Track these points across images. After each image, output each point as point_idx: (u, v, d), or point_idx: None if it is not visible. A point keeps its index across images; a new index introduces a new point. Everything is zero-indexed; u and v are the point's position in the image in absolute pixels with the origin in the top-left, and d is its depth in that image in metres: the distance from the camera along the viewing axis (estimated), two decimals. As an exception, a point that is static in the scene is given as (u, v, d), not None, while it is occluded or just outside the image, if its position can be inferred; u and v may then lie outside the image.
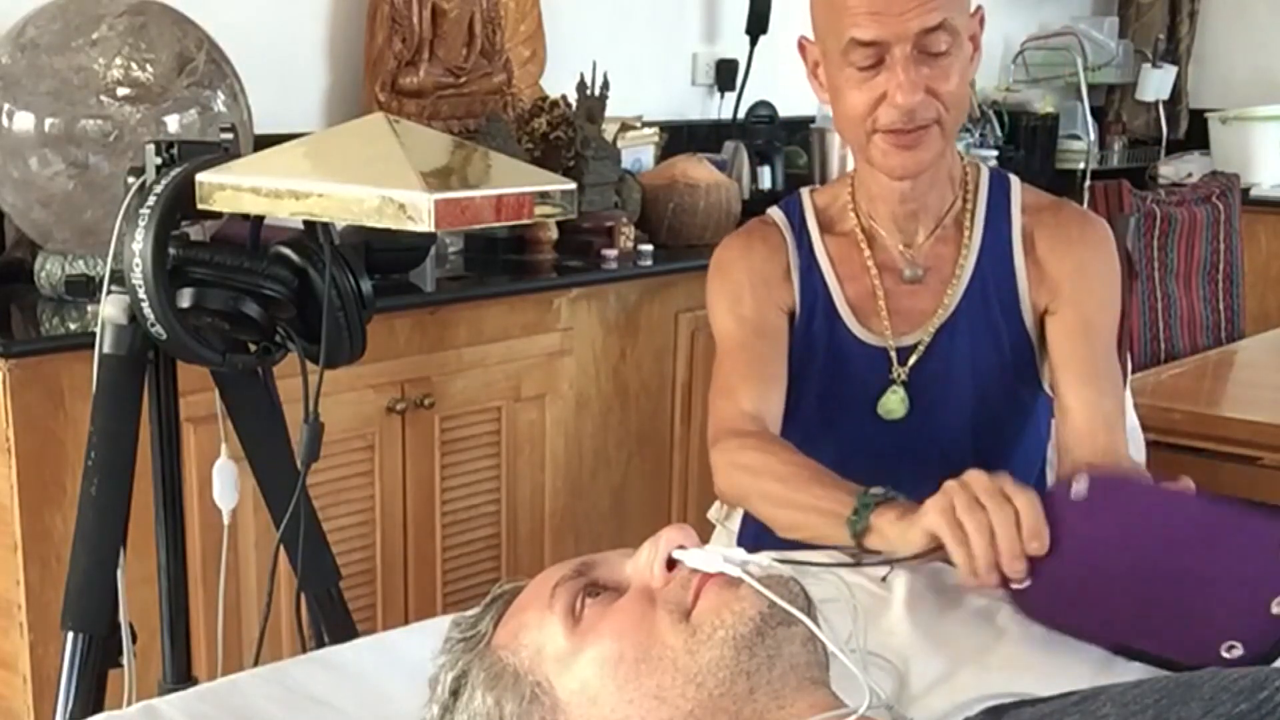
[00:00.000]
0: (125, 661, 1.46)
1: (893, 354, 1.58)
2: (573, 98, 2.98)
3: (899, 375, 1.58)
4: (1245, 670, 0.80)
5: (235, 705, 1.09)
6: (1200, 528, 1.15)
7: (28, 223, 2.23)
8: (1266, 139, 4.41)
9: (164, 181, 1.33)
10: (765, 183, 3.40)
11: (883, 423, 1.58)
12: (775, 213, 1.68)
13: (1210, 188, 3.21)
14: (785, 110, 3.57)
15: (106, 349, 1.41)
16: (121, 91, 2.09)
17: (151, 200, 1.33)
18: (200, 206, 1.32)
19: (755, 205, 3.27)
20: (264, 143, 1.49)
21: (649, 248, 2.87)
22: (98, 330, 1.41)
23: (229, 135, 1.53)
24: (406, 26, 2.84)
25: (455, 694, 0.94)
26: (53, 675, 1.48)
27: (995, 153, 4.03)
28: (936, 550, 1.22)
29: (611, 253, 2.79)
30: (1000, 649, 1.21)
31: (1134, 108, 4.78)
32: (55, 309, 2.18)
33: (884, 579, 1.31)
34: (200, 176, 1.31)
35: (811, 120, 3.52)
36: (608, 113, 3.01)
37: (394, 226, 1.19)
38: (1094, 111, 4.49)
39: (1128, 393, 1.94)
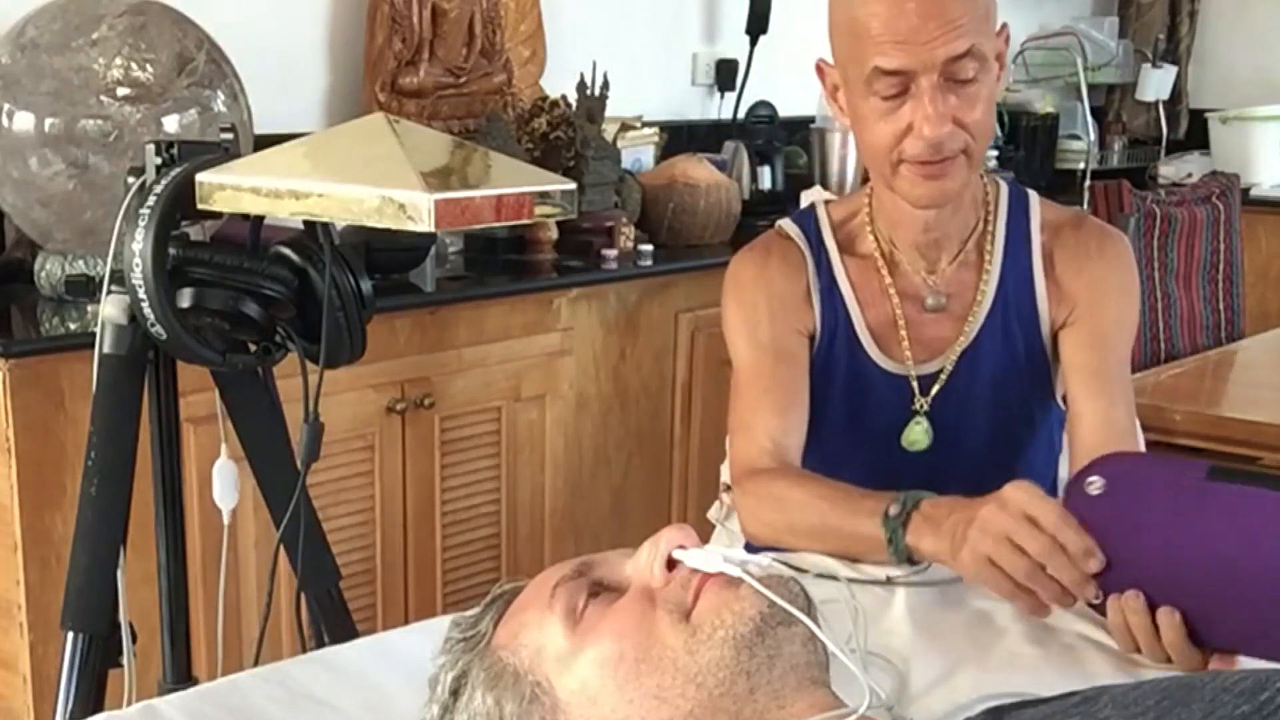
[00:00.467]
0: (125, 661, 1.46)
1: (914, 383, 1.55)
2: (573, 98, 2.98)
3: (921, 406, 1.55)
4: (1246, 671, 0.80)
5: (235, 705, 1.09)
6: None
7: (28, 223, 2.23)
8: (1266, 139, 4.41)
9: (164, 181, 1.33)
10: (765, 183, 3.40)
11: (907, 454, 1.56)
12: (790, 227, 1.61)
13: (1210, 188, 3.21)
14: (785, 110, 3.57)
15: (106, 349, 1.40)
16: (121, 91, 2.09)
17: (151, 200, 1.33)
18: (200, 206, 1.32)
19: (755, 205, 3.29)
20: (264, 143, 1.49)
21: (649, 248, 2.87)
22: (98, 330, 1.41)
23: (229, 135, 1.53)
24: (406, 26, 2.84)
25: (455, 694, 0.94)
26: (53, 675, 1.48)
27: (995, 153, 4.03)
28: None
29: (611, 253, 2.79)
30: (1000, 649, 1.21)
31: (1134, 108, 4.78)
32: (55, 309, 2.18)
33: (888, 580, 1.31)
34: (200, 176, 1.31)
35: (811, 120, 3.51)
36: (608, 113, 3.01)
37: (394, 226, 1.19)
38: (1094, 111, 4.49)
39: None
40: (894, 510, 1.31)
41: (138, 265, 1.32)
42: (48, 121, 2.09)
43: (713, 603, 0.89)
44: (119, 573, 1.44)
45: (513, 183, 1.28)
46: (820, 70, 1.54)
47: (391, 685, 1.13)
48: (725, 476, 2.25)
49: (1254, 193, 4.25)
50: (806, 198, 3.12)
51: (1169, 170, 4.59)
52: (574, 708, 0.89)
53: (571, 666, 0.89)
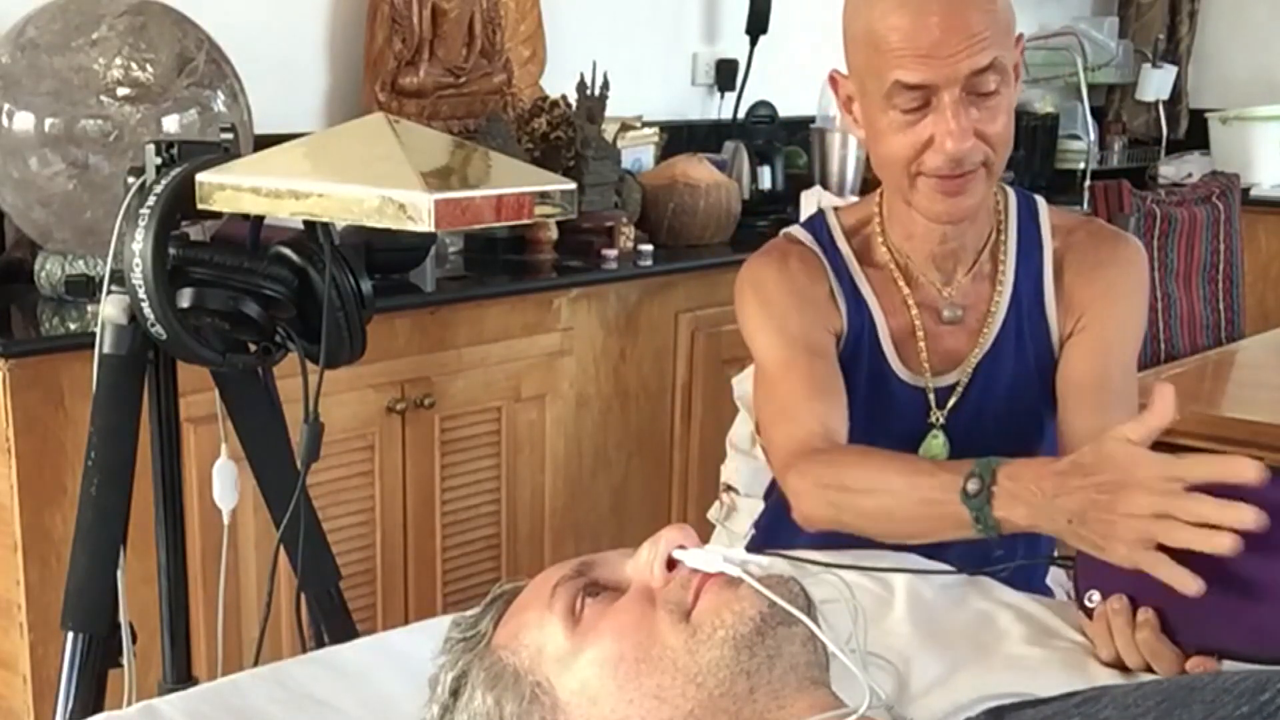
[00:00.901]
0: (125, 661, 1.46)
1: (931, 396, 1.53)
2: (573, 98, 2.98)
3: (937, 419, 1.54)
4: (1247, 672, 0.80)
5: (235, 705, 1.09)
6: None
7: (28, 223, 2.23)
8: (1266, 139, 4.40)
9: (164, 181, 1.33)
10: (765, 183, 3.40)
11: None
12: (802, 234, 1.58)
13: (1210, 188, 3.21)
14: (785, 110, 3.57)
15: (106, 349, 1.40)
16: (121, 91, 2.09)
17: (151, 200, 1.33)
18: (200, 206, 1.32)
19: (755, 205, 3.29)
20: (264, 143, 1.49)
21: (649, 248, 2.87)
22: (98, 330, 1.41)
23: (229, 135, 1.53)
24: (406, 26, 2.84)
25: (455, 694, 0.94)
26: (53, 675, 1.48)
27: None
28: None
29: (611, 253, 2.79)
30: (1001, 649, 1.21)
31: (1134, 108, 4.78)
32: (55, 309, 2.18)
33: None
34: (200, 176, 1.31)
35: (811, 120, 3.51)
36: (608, 113, 3.01)
37: (394, 226, 1.19)
38: (1094, 111, 4.49)
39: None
40: (972, 486, 1.22)
41: (138, 265, 1.32)
42: (48, 121, 2.09)
43: (713, 603, 0.89)
44: (119, 573, 1.44)
45: (513, 183, 1.28)
46: (834, 81, 1.50)
47: (391, 685, 1.13)
48: (725, 476, 2.25)
49: (1254, 193, 4.25)
50: (806, 198, 3.12)
51: (1169, 170, 4.59)
52: (574, 708, 0.89)
53: (571, 666, 0.89)
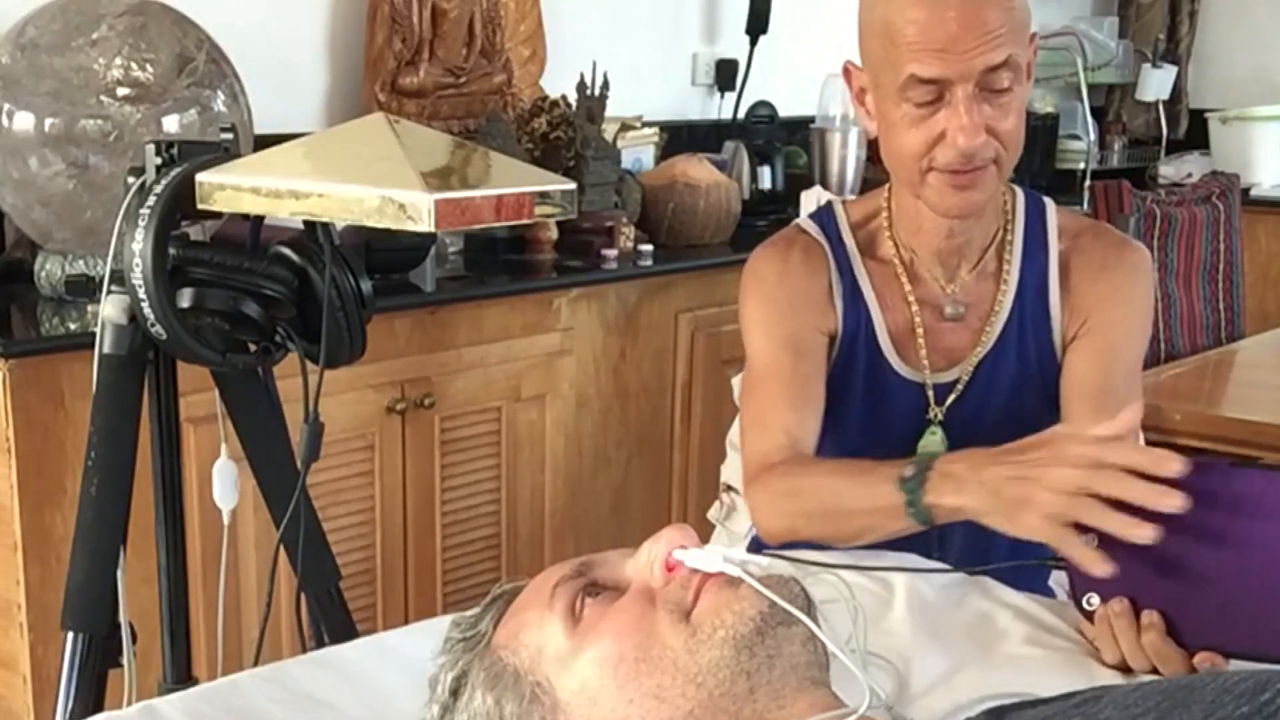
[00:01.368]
0: (125, 661, 1.46)
1: (930, 392, 1.54)
2: (573, 98, 2.98)
3: (936, 415, 1.54)
4: (1247, 672, 0.79)
5: (235, 705, 1.09)
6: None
7: (28, 223, 2.23)
8: (1266, 139, 4.40)
9: (164, 181, 1.33)
10: (765, 183, 3.40)
11: None
12: (810, 225, 1.59)
13: (1210, 188, 3.21)
14: (785, 110, 3.57)
15: (106, 349, 1.41)
16: (121, 91, 2.09)
17: (151, 200, 1.33)
18: (200, 206, 1.32)
19: (755, 205, 3.29)
20: (264, 143, 1.49)
21: (649, 248, 2.87)
22: (98, 330, 1.41)
23: (229, 135, 1.53)
24: (406, 26, 2.84)
25: (455, 694, 0.94)
26: (53, 675, 1.48)
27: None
28: None
29: (611, 253, 2.79)
30: (1001, 649, 1.21)
31: (1134, 108, 4.78)
32: (55, 309, 2.18)
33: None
34: (200, 176, 1.31)
35: (811, 120, 3.51)
36: (608, 113, 3.01)
37: (394, 226, 1.19)
38: (1094, 111, 4.49)
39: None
40: (909, 472, 1.28)
41: (138, 265, 1.32)
42: (48, 121, 2.09)
43: (713, 603, 0.89)
44: (119, 573, 1.44)
45: (513, 183, 1.28)
46: (848, 72, 1.51)
47: (391, 685, 1.13)
48: (725, 476, 2.25)
49: (1254, 193, 4.25)
50: (806, 197, 3.12)
51: (1169, 170, 4.59)
52: (574, 708, 0.89)
53: (571, 666, 0.89)
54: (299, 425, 1.38)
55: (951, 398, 1.54)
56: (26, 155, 2.12)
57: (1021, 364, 1.54)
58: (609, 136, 3.02)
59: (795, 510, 1.42)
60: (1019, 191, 1.58)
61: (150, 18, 2.16)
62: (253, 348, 1.44)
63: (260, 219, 1.38)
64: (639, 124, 3.29)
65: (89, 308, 2.08)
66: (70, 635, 1.44)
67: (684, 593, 0.90)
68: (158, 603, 1.51)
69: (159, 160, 1.36)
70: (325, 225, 1.35)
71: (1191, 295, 3.09)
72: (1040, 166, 4.30)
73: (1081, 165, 4.30)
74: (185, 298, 1.35)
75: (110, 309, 1.38)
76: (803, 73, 3.50)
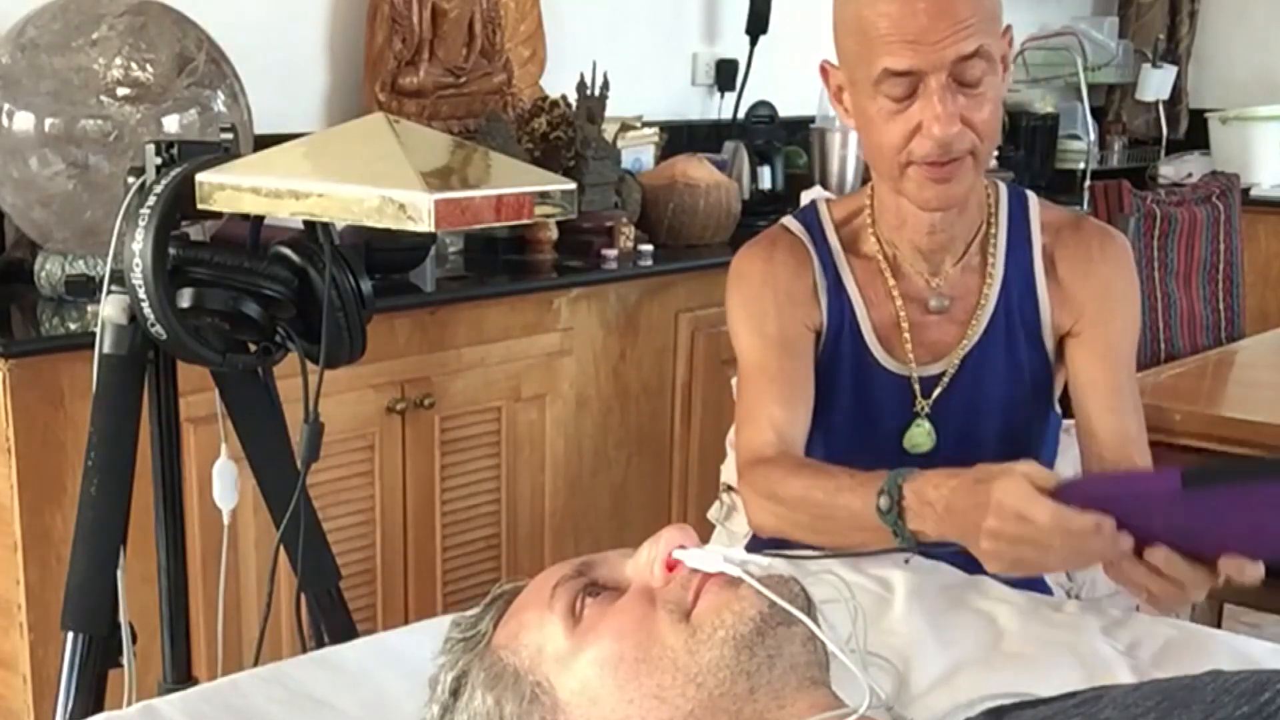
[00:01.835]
0: (125, 661, 1.46)
1: (916, 385, 1.55)
2: (573, 98, 2.98)
3: (923, 408, 1.55)
4: (1247, 672, 0.80)
5: (235, 705, 1.09)
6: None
7: (28, 223, 2.23)
8: (1266, 139, 4.40)
9: (164, 181, 1.33)
10: (765, 183, 3.40)
11: (909, 456, 1.55)
12: (794, 224, 1.60)
13: (1210, 188, 3.20)
14: (785, 110, 3.57)
15: (106, 349, 1.41)
16: (121, 91, 2.09)
17: (151, 200, 1.33)
18: (200, 206, 1.32)
19: (755, 205, 3.28)
20: (264, 143, 1.49)
21: (649, 248, 2.87)
22: (98, 330, 1.41)
23: (229, 135, 1.53)
24: (406, 26, 2.84)
25: (455, 694, 0.94)
26: (53, 675, 1.48)
27: (995, 152, 4.03)
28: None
29: (611, 253, 2.79)
30: (1001, 649, 1.21)
31: (1134, 108, 4.78)
32: (55, 309, 2.18)
33: (907, 561, 1.32)
34: (200, 176, 1.31)
35: (811, 120, 3.51)
36: (608, 113, 3.01)
37: (394, 226, 1.19)
38: (1094, 111, 4.49)
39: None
40: (883, 504, 1.31)
41: (138, 265, 1.32)
42: (48, 121, 2.09)
43: (713, 603, 0.89)
44: (119, 573, 1.44)
45: (513, 183, 1.28)
46: (824, 71, 1.53)
47: (391, 685, 1.13)
48: (725, 476, 2.25)
49: (1254, 193, 4.25)
50: (807, 198, 3.12)
51: (1169, 170, 4.59)
52: (574, 708, 0.89)
53: (571, 666, 0.89)
54: (299, 425, 1.38)
55: (938, 390, 1.55)
56: (26, 155, 2.11)
57: (1008, 356, 1.56)
58: (609, 136, 3.01)
59: (783, 516, 1.45)
60: (1001, 185, 1.60)
61: (150, 18, 2.16)
62: (253, 348, 1.44)
63: (260, 219, 1.38)
64: (639, 124, 3.29)
65: (89, 308, 2.08)
66: (70, 635, 1.44)
67: (684, 593, 0.90)
68: (158, 603, 1.51)
69: (159, 160, 1.36)
70: (325, 225, 1.35)
71: (1191, 295, 3.09)
72: (1040, 166, 4.30)
73: (1081, 165, 4.30)
74: (185, 298, 1.35)
75: (110, 309, 1.38)
76: (803, 73, 3.47)
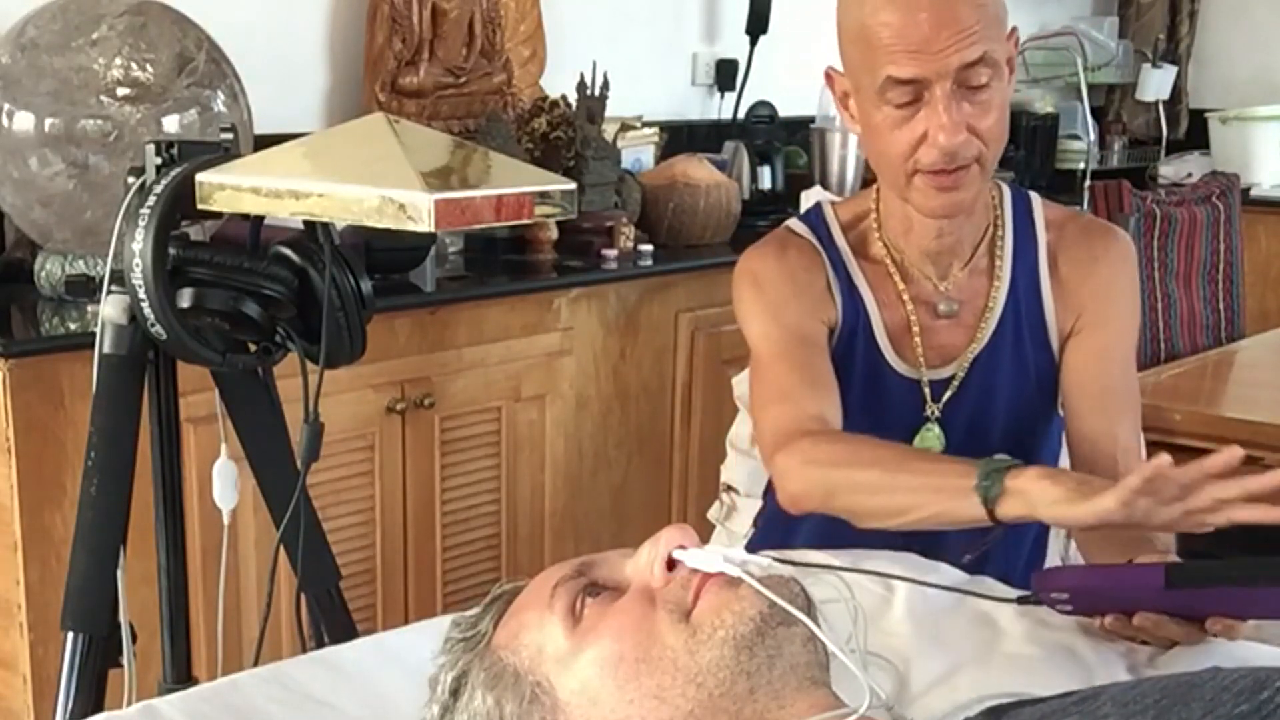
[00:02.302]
0: (125, 661, 1.46)
1: (926, 389, 1.54)
2: (573, 98, 2.98)
3: (933, 412, 1.54)
4: (1246, 670, 0.80)
5: (235, 705, 1.09)
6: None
7: (28, 223, 2.23)
8: (1266, 139, 4.40)
9: (164, 181, 1.33)
10: (765, 183, 3.40)
11: None
12: (800, 226, 1.59)
13: (1210, 188, 3.20)
14: (785, 110, 3.57)
15: (106, 349, 1.40)
16: (121, 91, 2.09)
17: (151, 200, 1.33)
18: (200, 206, 1.32)
19: (755, 205, 3.29)
20: (264, 143, 1.49)
21: (649, 248, 2.87)
22: (98, 330, 1.41)
23: (229, 135, 1.53)
24: (406, 26, 2.84)
25: (455, 694, 0.94)
26: (53, 675, 1.48)
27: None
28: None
29: (611, 253, 2.79)
30: (1000, 650, 1.21)
31: (1134, 108, 4.78)
32: (55, 309, 2.18)
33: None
34: (200, 176, 1.31)
35: (811, 120, 3.51)
36: (608, 113, 3.01)
37: (394, 226, 1.19)
38: (1094, 111, 4.48)
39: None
40: (1001, 455, 1.27)
41: (138, 265, 1.32)
42: (48, 121, 2.09)
43: (713, 603, 0.89)
44: (119, 573, 1.44)
45: (513, 183, 1.28)
46: (829, 78, 1.51)
47: (391, 685, 1.13)
48: (725, 476, 2.25)
49: (1254, 193, 4.25)
50: (807, 198, 3.12)
51: (1169, 170, 4.59)
52: (574, 708, 0.89)
53: (571, 666, 0.89)
54: (299, 425, 1.38)
55: (948, 394, 1.55)
56: (26, 155, 2.12)
57: (1017, 358, 1.55)
58: (609, 136, 3.01)
59: (839, 480, 1.38)
60: (1005, 187, 1.59)
61: (150, 18, 2.16)
62: (253, 348, 1.44)
63: (260, 219, 1.38)
64: (639, 124, 3.29)
65: (89, 308, 2.08)
66: (70, 635, 1.44)
67: (684, 593, 0.90)
68: (158, 603, 1.51)
69: (159, 160, 1.36)
70: (325, 225, 1.35)
71: (1191, 295, 3.09)
72: (1040, 166, 4.30)
73: (1081, 165, 4.30)
74: (185, 298, 1.35)
75: (110, 309, 1.38)
76: (803, 73, 3.49)
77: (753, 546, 1.56)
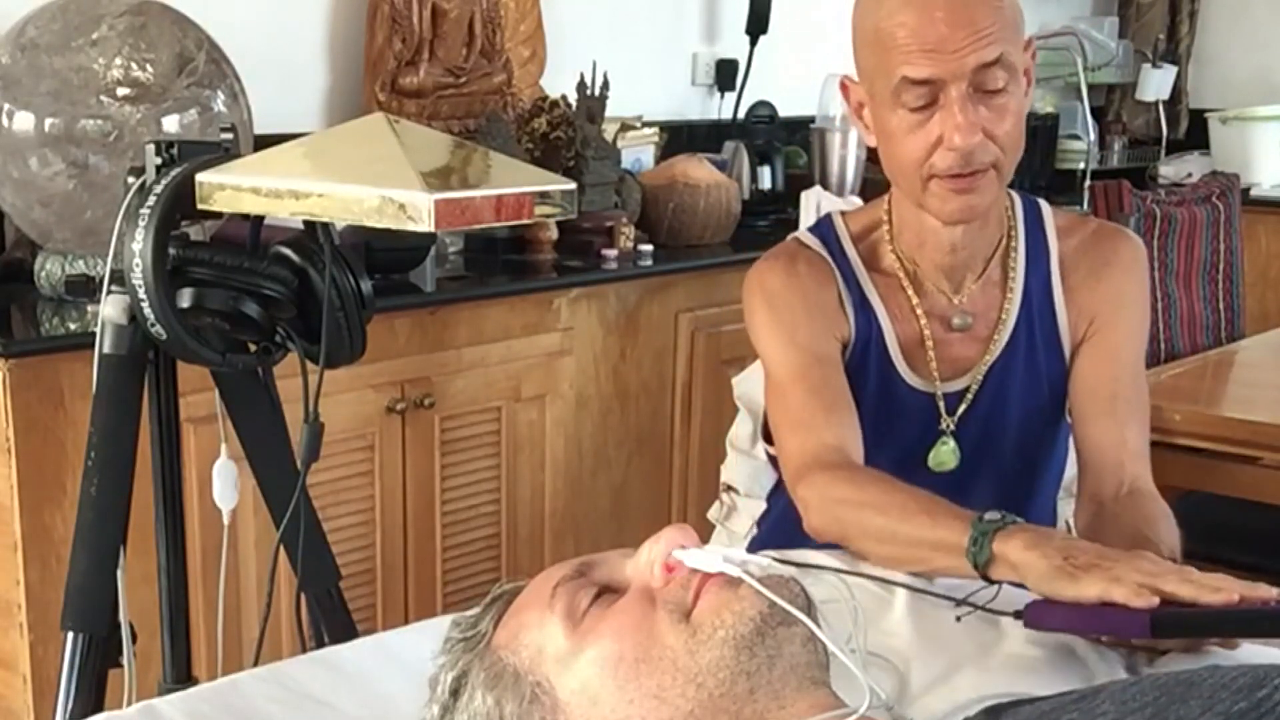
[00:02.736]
0: (125, 661, 1.46)
1: (940, 402, 1.53)
2: (573, 98, 2.98)
3: (948, 425, 1.53)
4: (1245, 668, 0.80)
5: (235, 705, 1.09)
6: None
7: (28, 223, 2.23)
8: (1266, 139, 4.40)
9: (164, 181, 1.33)
10: (765, 183, 3.40)
11: (933, 474, 1.52)
12: (810, 238, 1.57)
13: (1210, 188, 3.20)
14: (785, 110, 3.57)
15: (106, 349, 1.40)
16: (121, 91, 2.09)
17: (151, 200, 1.33)
18: (200, 206, 1.32)
19: (755, 205, 3.29)
20: (264, 143, 1.49)
21: (649, 248, 2.87)
22: (98, 330, 1.41)
23: (229, 135, 1.53)
24: (406, 26, 2.84)
25: (455, 694, 0.94)
26: (53, 675, 1.48)
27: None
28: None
29: (611, 253, 2.79)
30: (1000, 650, 1.21)
31: (1134, 108, 4.78)
32: (55, 309, 2.18)
33: (958, 619, 1.25)
34: (200, 176, 1.31)
35: (811, 120, 3.51)
36: (608, 113, 3.01)
37: (394, 226, 1.19)
38: (1094, 111, 4.48)
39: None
40: (990, 515, 1.25)
41: (138, 265, 1.32)
42: (48, 121, 2.09)
43: (713, 603, 0.89)
44: (119, 573, 1.44)
45: (513, 183, 1.28)
46: (844, 88, 1.50)
47: (391, 685, 1.13)
48: (725, 476, 2.25)
49: (1254, 193, 4.25)
50: (806, 197, 3.12)
51: (1169, 170, 4.59)
52: (574, 708, 0.89)
53: (572, 666, 0.89)
54: (299, 425, 1.38)
55: (962, 407, 1.53)
56: (26, 155, 2.12)
57: (1030, 368, 1.54)
58: (609, 136, 3.02)
59: (850, 521, 1.37)
60: (1016, 197, 1.57)
61: (150, 18, 2.16)
62: (253, 348, 1.44)
63: (260, 219, 1.38)
64: (639, 124, 3.29)
65: (89, 308, 2.08)
66: (70, 635, 1.44)
67: (684, 593, 0.90)
68: (158, 603, 1.51)
69: (159, 160, 1.36)
70: (325, 225, 1.35)
71: (1191, 295, 3.09)
72: (1040, 166, 4.29)
73: (1081, 165, 4.30)
74: (185, 298, 1.35)
75: (110, 309, 1.38)
76: (803, 73, 3.50)
77: (759, 547, 1.56)
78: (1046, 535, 1.23)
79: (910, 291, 1.53)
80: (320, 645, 1.50)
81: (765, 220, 3.29)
